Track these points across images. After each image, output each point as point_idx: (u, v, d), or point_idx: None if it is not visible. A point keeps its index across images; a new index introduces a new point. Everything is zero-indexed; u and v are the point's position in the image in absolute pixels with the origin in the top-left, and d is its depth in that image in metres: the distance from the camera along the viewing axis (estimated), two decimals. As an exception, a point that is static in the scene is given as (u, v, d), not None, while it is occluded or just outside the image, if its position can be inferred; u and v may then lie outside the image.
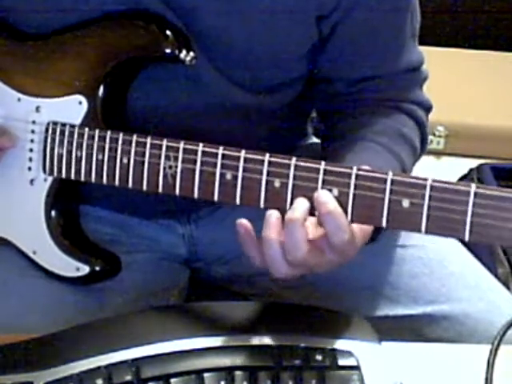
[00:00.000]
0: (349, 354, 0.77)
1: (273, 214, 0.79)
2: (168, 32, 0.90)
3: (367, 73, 1.02)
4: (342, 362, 0.76)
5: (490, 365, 0.75)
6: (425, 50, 1.07)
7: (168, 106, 0.98)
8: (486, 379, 0.74)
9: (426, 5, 1.07)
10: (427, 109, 1.07)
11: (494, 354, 0.75)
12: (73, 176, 0.93)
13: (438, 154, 2.43)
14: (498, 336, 0.76)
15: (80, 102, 0.93)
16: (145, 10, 0.92)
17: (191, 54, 0.90)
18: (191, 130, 0.96)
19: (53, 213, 0.97)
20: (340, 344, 0.77)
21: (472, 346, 0.88)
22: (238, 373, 0.75)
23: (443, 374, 0.79)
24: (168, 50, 0.90)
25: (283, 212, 0.79)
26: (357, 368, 0.76)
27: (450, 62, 2.55)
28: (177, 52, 0.90)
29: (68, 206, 0.99)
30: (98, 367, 0.75)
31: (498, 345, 0.76)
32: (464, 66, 2.59)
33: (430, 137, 2.33)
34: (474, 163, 1.90)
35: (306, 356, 0.76)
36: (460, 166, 1.98)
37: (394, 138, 0.98)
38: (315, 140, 1.22)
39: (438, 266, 1.02)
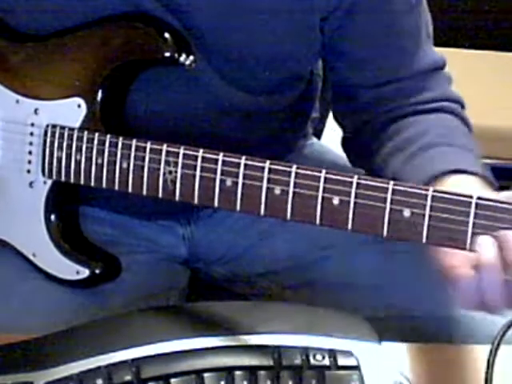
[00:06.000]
0: (349, 353, 0.77)
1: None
2: (167, 35, 0.90)
3: (385, 76, 1.00)
4: (341, 362, 0.76)
5: (490, 365, 0.74)
6: (424, 49, 1.07)
7: (167, 108, 0.98)
8: (486, 379, 0.74)
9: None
10: (463, 105, 1.04)
11: (493, 353, 0.75)
12: (72, 179, 0.93)
13: (438, 154, 2.43)
14: (498, 336, 0.76)
15: (79, 105, 0.93)
16: (144, 12, 0.92)
17: (191, 57, 0.90)
18: (190, 132, 0.96)
19: (52, 215, 0.97)
20: (340, 344, 0.77)
21: (472, 346, 0.88)
22: (237, 373, 0.75)
23: (443, 374, 0.79)
24: (167, 54, 0.90)
25: (284, 220, 0.79)
26: (357, 368, 0.76)
27: (450, 62, 2.55)
28: (176, 55, 0.89)
29: (68, 208, 0.98)
30: (98, 367, 0.75)
31: (498, 345, 0.75)
32: (464, 66, 2.59)
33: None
34: (473, 163, 1.90)
35: (306, 356, 0.76)
36: (460, 166, 1.97)
37: (459, 136, 0.96)
38: (315, 140, 1.22)
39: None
